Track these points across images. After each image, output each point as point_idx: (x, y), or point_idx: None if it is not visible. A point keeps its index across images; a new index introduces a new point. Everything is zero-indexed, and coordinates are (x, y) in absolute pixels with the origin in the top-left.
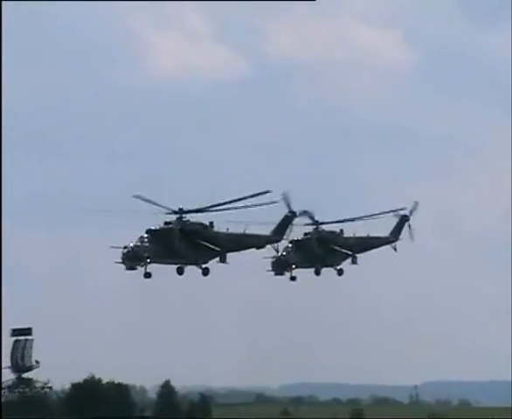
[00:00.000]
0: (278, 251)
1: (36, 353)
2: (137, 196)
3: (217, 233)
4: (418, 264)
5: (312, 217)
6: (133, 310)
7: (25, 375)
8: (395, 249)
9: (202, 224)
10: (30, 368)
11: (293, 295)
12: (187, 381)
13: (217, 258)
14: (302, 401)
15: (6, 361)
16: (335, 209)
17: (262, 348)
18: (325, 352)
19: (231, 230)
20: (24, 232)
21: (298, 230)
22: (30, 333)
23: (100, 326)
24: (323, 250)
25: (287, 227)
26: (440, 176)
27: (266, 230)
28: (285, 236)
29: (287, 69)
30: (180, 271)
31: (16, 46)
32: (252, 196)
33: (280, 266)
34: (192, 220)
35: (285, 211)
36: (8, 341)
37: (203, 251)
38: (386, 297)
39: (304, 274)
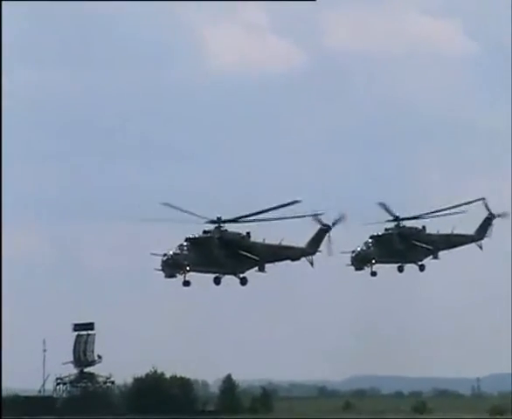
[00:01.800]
0: (312, 264)
1: (98, 348)
2: (166, 204)
3: (255, 243)
4: (493, 260)
5: (389, 211)
6: (194, 306)
7: (88, 370)
8: (480, 247)
9: (240, 234)
10: (92, 363)
11: (366, 290)
12: (249, 375)
13: (256, 268)
14: (365, 394)
15: (69, 356)
16: (402, 204)
17: (325, 341)
18: (388, 345)
19: (267, 241)
20: (84, 230)
21: (378, 226)
22: (92, 328)
23: (162, 322)
24: (405, 245)
25: (321, 240)
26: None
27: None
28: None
29: (345, 62)
30: (217, 282)
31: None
32: (288, 205)
33: (359, 261)
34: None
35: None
36: (70, 336)
37: (241, 261)
38: (456, 292)
39: (385, 269)
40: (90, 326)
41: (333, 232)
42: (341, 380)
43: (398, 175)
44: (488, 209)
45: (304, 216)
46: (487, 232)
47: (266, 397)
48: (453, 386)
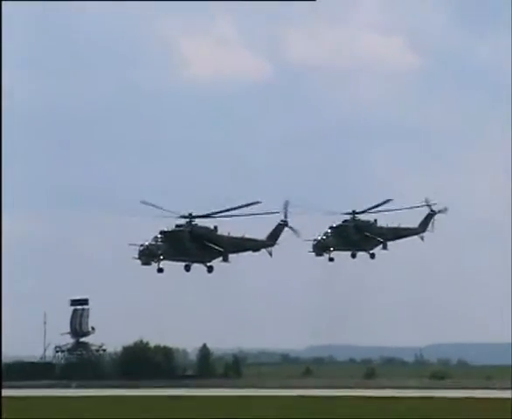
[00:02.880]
0: (271, 254)
1: (92, 321)
2: (143, 202)
3: (221, 236)
4: (432, 247)
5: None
6: (172, 287)
7: (83, 340)
8: (422, 239)
9: (208, 228)
10: (86, 334)
11: (324, 273)
12: (222, 344)
13: (221, 258)
14: (322, 361)
15: (66, 328)
16: (349, 201)
17: (288, 315)
18: (343, 318)
19: (232, 234)
20: (79, 219)
21: (336, 218)
22: (86, 303)
23: (146, 300)
24: (359, 236)
25: (279, 234)
26: (440, 169)
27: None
28: (277, 242)
29: (305, 73)
30: (187, 269)
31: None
32: (251, 204)
33: (320, 248)
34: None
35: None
36: (68, 310)
37: (208, 252)
38: (400, 274)
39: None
40: (85, 301)
41: (298, 223)
42: (302, 348)
43: (352, 173)
44: (430, 207)
45: (269, 213)
46: (429, 226)
47: (236, 364)
48: (398, 354)
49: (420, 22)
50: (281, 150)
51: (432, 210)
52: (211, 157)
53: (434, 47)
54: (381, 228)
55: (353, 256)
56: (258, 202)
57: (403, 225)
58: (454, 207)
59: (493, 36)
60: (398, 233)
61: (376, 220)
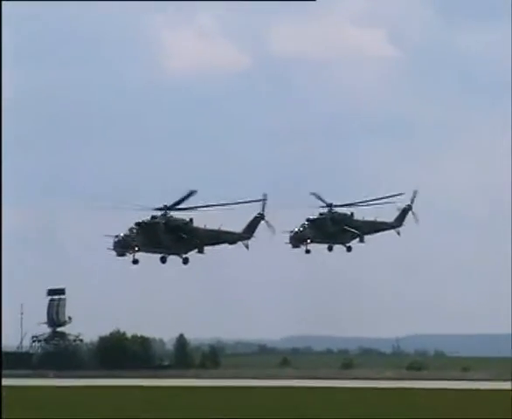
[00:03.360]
0: (247, 247)
1: (68, 311)
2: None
3: (197, 228)
4: (409, 239)
5: (322, 199)
6: (149, 278)
7: (59, 329)
8: (398, 233)
9: (183, 220)
10: (63, 323)
11: (301, 265)
12: (199, 334)
13: (196, 250)
14: (299, 352)
15: (43, 318)
16: (337, 194)
17: (265, 306)
18: (319, 309)
19: (208, 227)
20: (57, 210)
21: (314, 211)
22: (63, 293)
23: (123, 290)
24: (336, 229)
25: (255, 227)
26: (426, 157)
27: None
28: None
29: (285, 64)
30: (163, 260)
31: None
32: (232, 204)
33: (296, 240)
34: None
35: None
36: (44, 300)
37: (184, 244)
38: (379, 266)
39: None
40: (62, 291)
41: (275, 215)
42: (279, 339)
43: (334, 165)
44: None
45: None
46: (404, 220)
47: (214, 354)
48: (375, 345)
49: (402, 14)
50: (264, 142)
51: (408, 205)
52: (194, 149)
53: (416, 39)
54: (357, 221)
55: (329, 249)
56: (195, 192)
57: (379, 219)
58: (431, 198)
59: (474, 28)
60: (375, 227)
61: (352, 213)
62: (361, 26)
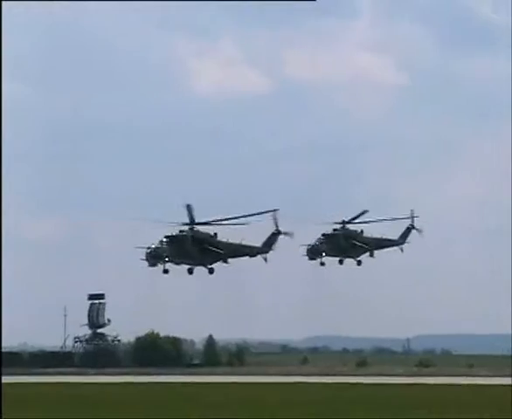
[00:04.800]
0: (266, 260)
1: (107, 314)
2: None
3: (220, 241)
4: (417, 249)
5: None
6: (181, 284)
7: (99, 331)
8: (401, 250)
9: (208, 234)
10: (103, 325)
11: (317, 274)
12: (227, 335)
13: (222, 261)
14: (318, 351)
15: (84, 320)
16: (344, 211)
17: (287, 309)
18: (336, 312)
19: (230, 241)
20: (94, 224)
21: (328, 227)
22: (103, 298)
23: (159, 294)
24: (347, 244)
25: (274, 242)
26: (428, 175)
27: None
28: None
29: (302, 87)
30: (190, 272)
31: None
32: (249, 216)
33: (313, 253)
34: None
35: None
36: (86, 304)
37: (209, 255)
38: (390, 274)
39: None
40: (101, 296)
41: (294, 229)
42: (299, 339)
43: (346, 183)
44: (412, 220)
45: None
46: (407, 238)
47: (240, 353)
48: (387, 344)
49: (410, 41)
50: (281, 161)
51: (411, 225)
52: (216, 168)
53: (422, 65)
54: (367, 238)
55: (340, 262)
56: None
57: (385, 236)
58: (439, 212)
59: (478, 55)
60: (381, 243)
61: (362, 230)
62: (370, 52)
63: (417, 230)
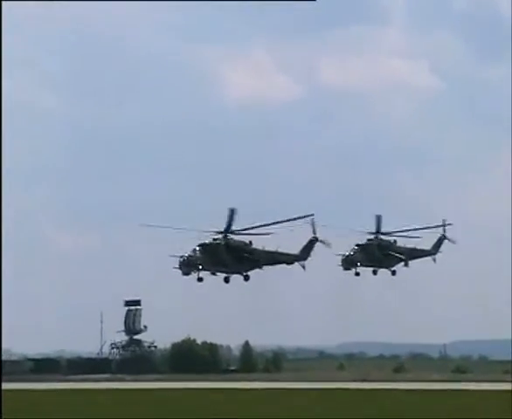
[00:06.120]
0: (304, 268)
1: (144, 320)
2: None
3: (255, 249)
4: (452, 255)
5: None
6: (220, 290)
7: (136, 337)
8: (434, 260)
9: (243, 242)
10: (139, 331)
11: (353, 282)
12: (263, 341)
13: (257, 269)
14: (355, 357)
15: (121, 326)
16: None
17: (323, 315)
18: (372, 318)
19: (266, 248)
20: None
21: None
22: (139, 304)
23: (195, 300)
24: (381, 254)
25: (311, 249)
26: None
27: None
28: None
29: (333, 94)
30: (226, 280)
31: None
32: (285, 221)
33: (348, 263)
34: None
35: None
36: (122, 310)
37: (244, 263)
38: (424, 280)
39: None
40: (138, 302)
41: (330, 239)
42: (335, 345)
43: (376, 192)
44: (444, 229)
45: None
46: (440, 248)
47: (276, 359)
48: (424, 350)
49: (441, 47)
50: (313, 168)
51: (444, 235)
52: (249, 175)
53: (455, 71)
54: (400, 248)
55: (374, 272)
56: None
57: (419, 247)
58: (470, 221)
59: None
60: (415, 253)
61: (395, 240)
62: (403, 58)
63: (449, 240)
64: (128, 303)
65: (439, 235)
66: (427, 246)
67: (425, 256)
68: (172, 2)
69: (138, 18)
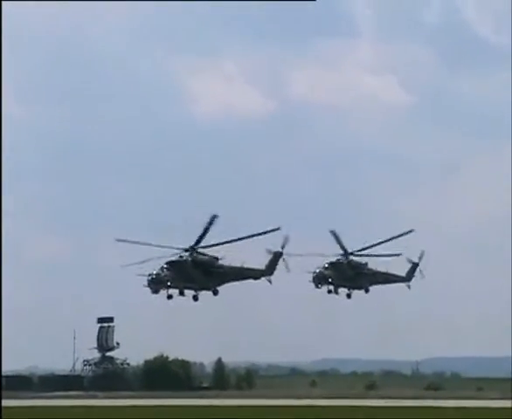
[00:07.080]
0: (271, 282)
1: (116, 337)
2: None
3: (222, 265)
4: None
5: (337, 237)
6: (190, 307)
7: (108, 354)
8: (408, 287)
9: (210, 257)
10: (112, 349)
11: (323, 300)
12: (235, 358)
13: (225, 283)
14: (327, 374)
15: (93, 343)
16: (349, 229)
17: (294, 333)
18: (346, 334)
19: (233, 264)
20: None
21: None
22: (112, 321)
23: (167, 317)
24: (353, 272)
25: (276, 263)
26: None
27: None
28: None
29: (303, 109)
30: (195, 298)
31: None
32: (251, 236)
33: (318, 279)
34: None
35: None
36: (95, 327)
37: (211, 279)
38: (397, 298)
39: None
40: (110, 319)
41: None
42: (308, 362)
43: (347, 202)
44: (412, 261)
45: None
46: (413, 275)
47: (249, 376)
48: (397, 367)
49: (410, 62)
50: (281, 180)
51: (417, 263)
52: (216, 187)
53: (423, 85)
54: (371, 270)
55: (348, 296)
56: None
57: (391, 272)
58: (444, 233)
59: (477, 73)
60: (387, 278)
61: (367, 263)
62: (372, 73)
63: (420, 271)
64: (100, 320)
65: (412, 263)
66: (398, 269)
67: (398, 282)
68: (144, 12)
69: (109, 30)
